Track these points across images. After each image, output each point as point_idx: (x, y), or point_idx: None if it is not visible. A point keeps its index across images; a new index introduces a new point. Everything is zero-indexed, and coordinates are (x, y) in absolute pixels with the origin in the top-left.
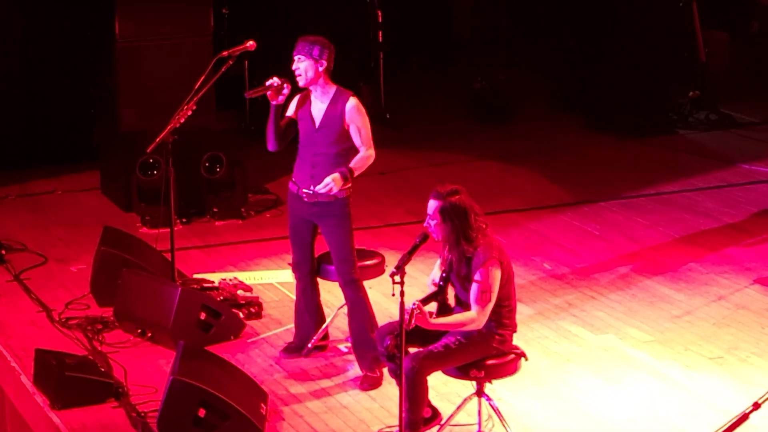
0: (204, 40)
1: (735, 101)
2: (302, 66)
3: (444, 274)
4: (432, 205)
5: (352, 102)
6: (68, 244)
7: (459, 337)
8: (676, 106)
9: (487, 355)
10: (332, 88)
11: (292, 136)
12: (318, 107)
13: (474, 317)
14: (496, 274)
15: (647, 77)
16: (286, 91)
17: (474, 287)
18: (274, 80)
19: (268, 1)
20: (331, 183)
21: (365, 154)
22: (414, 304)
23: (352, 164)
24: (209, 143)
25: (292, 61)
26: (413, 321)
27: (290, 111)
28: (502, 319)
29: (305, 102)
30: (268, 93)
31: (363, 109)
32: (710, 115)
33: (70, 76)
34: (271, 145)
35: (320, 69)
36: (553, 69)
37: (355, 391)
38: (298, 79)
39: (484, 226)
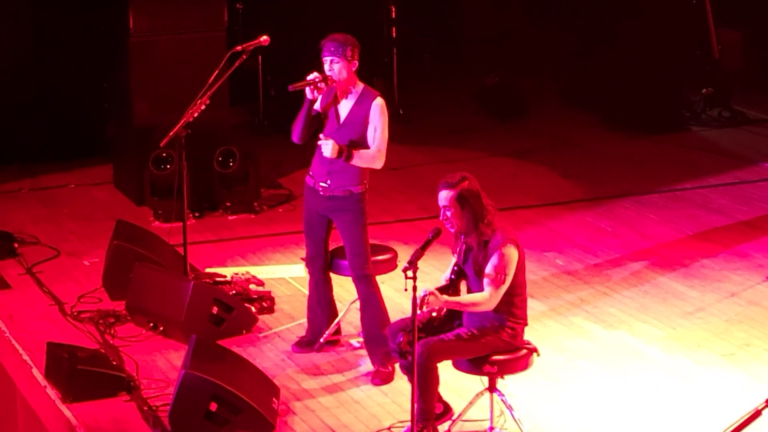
0: (218, 34)
1: (748, 98)
2: (337, 67)
3: (456, 268)
4: (446, 195)
5: (378, 102)
6: (81, 238)
7: (472, 329)
8: (688, 103)
9: (498, 349)
10: (360, 87)
11: (316, 129)
12: (344, 105)
13: (486, 297)
14: (513, 256)
15: (660, 74)
16: (322, 86)
17: (489, 268)
18: (316, 75)
19: None
20: (329, 144)
21: (372, 152)
22: (425, 290)
23: (356, 151)
24: (222, 138)
25: (321, 61)
26: (425, 307)
27: (316, 105)
28: (514, 308)
29: (331, 98)
30: (309, 87)
31: (386, 112)
32: (723, 112)
33: (84, 71)
34: (296, 137)
35: (353, 69)
36: (565, 65)
37: (367, 386)
38: (331, 78)
39: (493, 208)
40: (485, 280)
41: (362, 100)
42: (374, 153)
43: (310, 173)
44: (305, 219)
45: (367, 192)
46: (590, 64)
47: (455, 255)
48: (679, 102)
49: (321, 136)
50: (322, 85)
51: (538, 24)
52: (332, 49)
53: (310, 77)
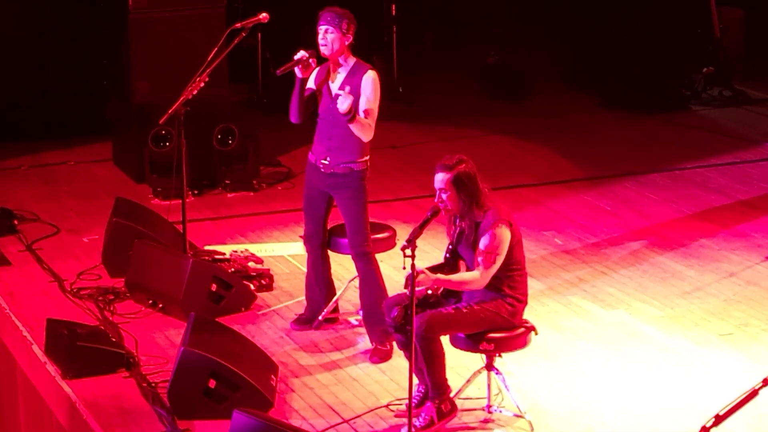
0: (217, 11)
1: (749, 78)
2: (330, 37)
3: (451, 247)
4: (442, 177)
5: (370, 74)
6: (80, 215)
7: (471, 303)
8: (689, 82)
9: (496, 325)
10: (352, 61)
11: (313, 107)
12: (336, 79)
13: (477, 277)
14: (505, 236)
15: (661, 53)
16: (312, 64)
17: (480, 248)
18: (302, 54)
19: None
20: (347, 100)
21: (365, 120)
22: (414, 270)
23: (358, 116)
24: (222, 115)
25: (316, 31)
26: (416, 283)
27: (311, 83)
28: (514, 283)
29: (325, 74)
30: (298, 67)
31: (378, 84)
32: (724, 91)
33: (84, 48)
34: (294, 118)
35: (346, 43)
36: (566, 45)
37: (365, 363)
38: (322, 49)
39: (488, 190)
40: (477, 260)
41: (354, 73)
42: (366, 120)
43: (312, 150)
44: (305, 195)
45: (368, 170)
46: (591, 44)
47: (449, 237)
48: (679, 81)
49: (337, 89)
50: (311, 61)
51: (539, 3)
52: (329, 18)
53: (297, 56)
